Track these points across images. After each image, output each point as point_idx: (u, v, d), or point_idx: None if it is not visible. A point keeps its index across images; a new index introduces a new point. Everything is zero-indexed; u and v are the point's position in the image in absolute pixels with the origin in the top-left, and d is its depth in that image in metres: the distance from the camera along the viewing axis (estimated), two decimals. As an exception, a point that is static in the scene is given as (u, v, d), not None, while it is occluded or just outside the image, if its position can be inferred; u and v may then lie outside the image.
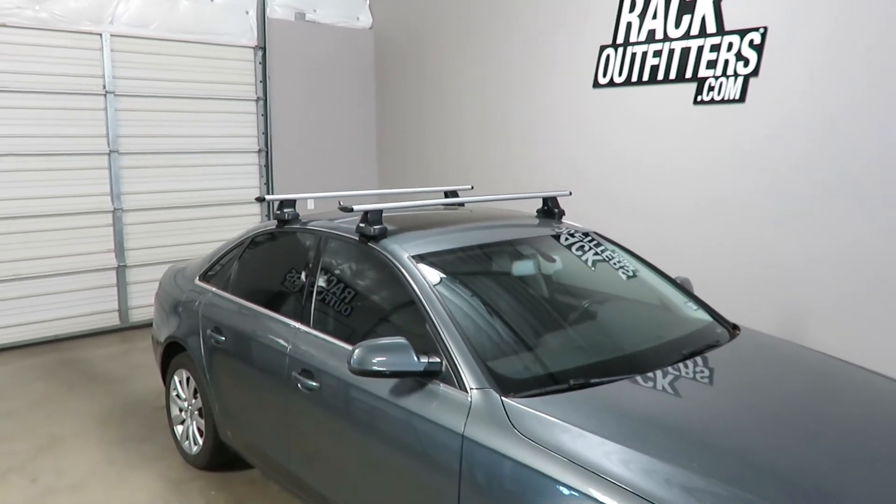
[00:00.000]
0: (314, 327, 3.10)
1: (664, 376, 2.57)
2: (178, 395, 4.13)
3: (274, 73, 7.61)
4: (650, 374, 2.56)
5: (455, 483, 2.31)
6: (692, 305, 3.27)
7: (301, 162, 7.89)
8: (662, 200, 5.62)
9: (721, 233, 5.24)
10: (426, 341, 2.58)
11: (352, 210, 3.04)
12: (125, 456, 4.19)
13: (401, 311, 2.90)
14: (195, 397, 3.95)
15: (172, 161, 7.05)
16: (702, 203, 5.36)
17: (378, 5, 8.36)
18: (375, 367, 2.46)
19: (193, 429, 3.99)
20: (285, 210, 3.61)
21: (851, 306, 4.53)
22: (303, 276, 3.34)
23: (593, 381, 2.46)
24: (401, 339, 2.51)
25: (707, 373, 2.69)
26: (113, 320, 6.87)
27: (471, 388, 2.39)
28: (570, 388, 2.41)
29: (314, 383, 2.93)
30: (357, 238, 3.10)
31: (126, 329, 6.90)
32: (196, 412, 3.96)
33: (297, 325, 3.18)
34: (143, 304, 6.95)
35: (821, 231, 4.68)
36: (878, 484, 2.02)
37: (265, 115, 7.60)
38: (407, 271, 2.81)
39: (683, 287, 3.41)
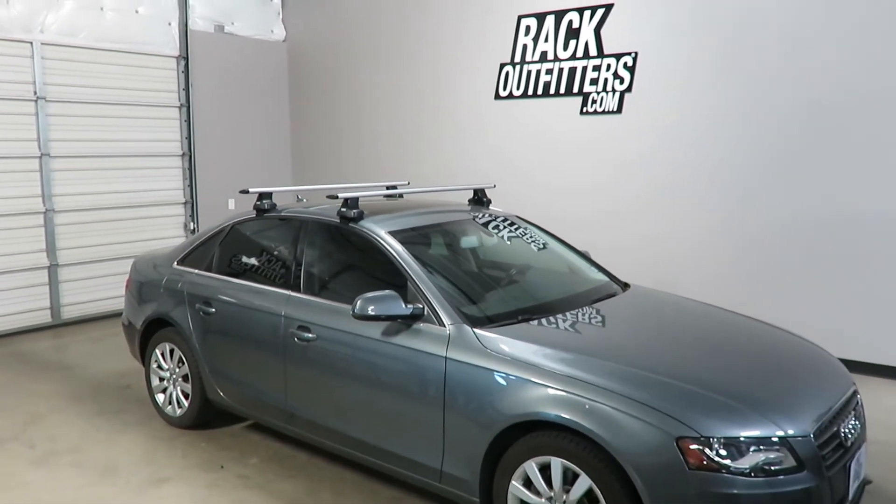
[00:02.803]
0: (304, 293, 3.85)
1: (579, 313, 3.56)
2: (159, 367, 4.69)
3: (196, 82, 8.11)
4: (570, 312, 3.54)
5: (441, 392, 3.15)
6: (595, 269, 4.29)
7: (222, 165, 8.41)
8: (554, 198, 6.70)
9: (607, 224, 6.38)
10: (406, 295, 3.40)
11: (336, 197, 3.82)
12: (109, 424, 4.69)
13: (378, 274, 3.70)
14: (179, 366, 4.54)
15: (101, 164, 7.41)
16: (589, 199, 6.49)
17: (290, 20, 9.02)
18: (373, 313, 3.27)
19: (178, 393, 4.57)
20: (264, 201, 4.30)
21: (715, 277, 5.77)
22: (288, 253, 4.06)
23: (533, 316, 3.39)
24: (391, 292, 3.32)
25: (608, 311, 3.70)
26: (45, 318, 7.14)
27: (448, 324, 3.24)
28: (517, 322, 3.32)
29: (311, 335, 3.68)
30: (337, 220, 3.87)
31: (58, 326, 7.18)
32: (181, 378, 4.55)
33: (289, 292, 3.90)
34: (75, 301, 7.28)
35: (688, 220, 5.92)
36: (706, 365, 3.11)
37: (188, 120, 8.08)
38: (387, 244, 3.62)
39: (587, 257, 4.44)
